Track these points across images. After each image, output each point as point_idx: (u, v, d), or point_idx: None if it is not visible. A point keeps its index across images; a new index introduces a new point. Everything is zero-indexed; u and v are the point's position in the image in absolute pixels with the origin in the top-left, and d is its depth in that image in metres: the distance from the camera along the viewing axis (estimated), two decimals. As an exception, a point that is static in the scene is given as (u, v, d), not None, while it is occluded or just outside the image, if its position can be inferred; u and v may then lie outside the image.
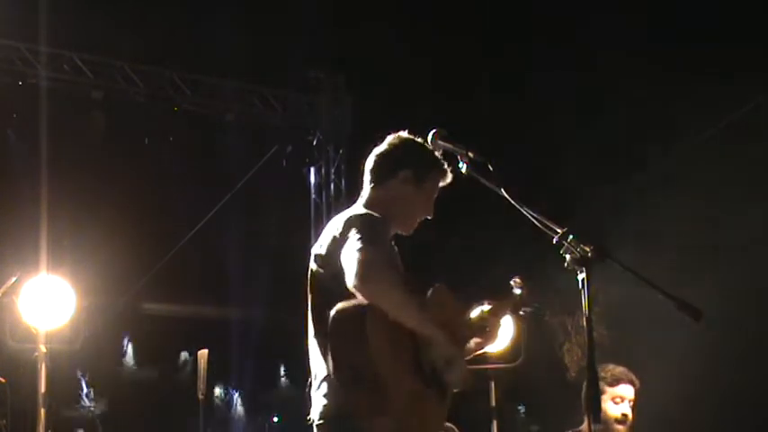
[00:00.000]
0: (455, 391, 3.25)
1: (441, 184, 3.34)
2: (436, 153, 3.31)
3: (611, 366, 5.03)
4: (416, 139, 3.35)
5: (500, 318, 3.42)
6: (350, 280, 2.89)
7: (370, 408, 2.93)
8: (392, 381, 2.93)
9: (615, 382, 4.97)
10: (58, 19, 7.66)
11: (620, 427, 4.95)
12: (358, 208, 3.24)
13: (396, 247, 3.31)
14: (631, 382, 5.00)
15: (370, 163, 3.35)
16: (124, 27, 8.04)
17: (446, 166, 3.31)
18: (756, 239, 7.49)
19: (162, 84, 8.79)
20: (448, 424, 6.82)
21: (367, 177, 3.35)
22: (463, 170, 3.06)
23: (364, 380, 2.89)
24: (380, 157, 3.33)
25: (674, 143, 8.06)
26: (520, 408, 11.23)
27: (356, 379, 2.91)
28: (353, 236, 2.99)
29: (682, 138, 7.99)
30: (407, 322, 2.96)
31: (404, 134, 3.36)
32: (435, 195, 3.35)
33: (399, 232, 3.35)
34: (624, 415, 4.96)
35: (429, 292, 3.15)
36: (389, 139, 3.37)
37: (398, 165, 3.29)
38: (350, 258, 2.93)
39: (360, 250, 2.94)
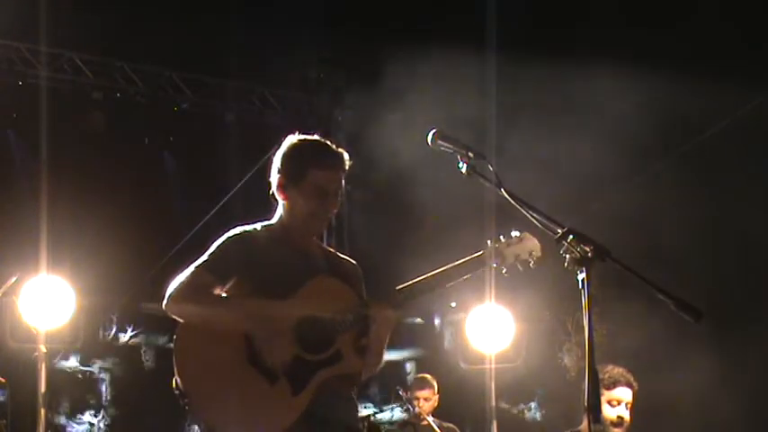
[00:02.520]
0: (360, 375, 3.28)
1: (333, 176, 3.33)
2: (323, 147, 3.37)
3: (609, 368, 5.01)
4: (301, 138, 3.41)
5: (373, 309, 3.29)
6: (164, 300, 3.20)
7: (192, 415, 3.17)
8: (197, 389, 3.10)
9: (612, 384, 4.95)
10: (57, 19, 7.65)
11: (616, 429, 4.95)
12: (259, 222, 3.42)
13: (306, 250, 3.36)
14: (629, 385, 4.98)
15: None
16: (124, 27, 8.03)
17: (333, 158, 3.34)
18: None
19: (162, 84, 8.79)
20: (449, 424, 6.83)
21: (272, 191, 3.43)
22: (463, 170, 3.05)
23: (184, 395, 3.12)
24: (272, 165, 3.41)
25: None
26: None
27: (180, 395, 3.14)
28: (201, 257, 3.27)
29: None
30: (218, 322, 3.17)
31: (290, 137, 3.42)
32: (333, 187, 3.33)
33: (307, 234, 3.40)
34: (620, 417, 4.95)
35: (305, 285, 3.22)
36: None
37: (277, 172, 3.37)
38: (175, 279, 3.23)
39: (184, 275, 3.22)
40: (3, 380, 6.39)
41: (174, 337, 3.19)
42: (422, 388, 6.83)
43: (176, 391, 3.14)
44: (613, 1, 7.34)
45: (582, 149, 7.13)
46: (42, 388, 6.36)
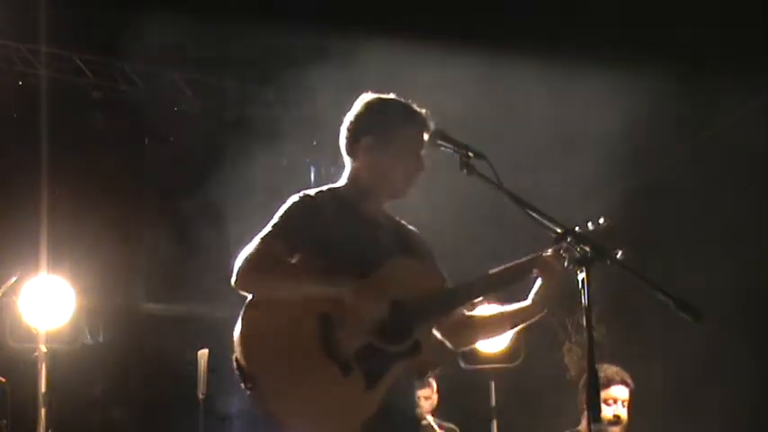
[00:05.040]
0: (435, 368, 3.15)
1: (421, 134, 3.14)
2: (408, 105, 3.18)
3: (604, 366, 5.02)
4: (380, 97, 3.21)
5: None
6: (232, 276, 2.97)
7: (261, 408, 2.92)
8: (265, 374, 2.87)
9: (608, 383, 4.95)
10: (57, 19, 7.66)
11: (614, 428, 4.95)
12: (327, 186, 3.22)
13: (379, 221, 3.20)
14: (624, 383, 4.99)
15: (340, 136, 3.24)
16: (124, 27, 8.03)
17: (420, 116, 3.15)
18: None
19: (162, 84, 8.79)
20: (449, 424, 6.83)
21: (342, 151, 3.25)
22: (463, 170, 3.05)
23: (249, 379, 2.88)
24: (345, 127, 3.22)
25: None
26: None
27: (243, 379, 2.91)
28: (266, 227, 3.03)
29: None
30: (291, 295, 2.92)
31: (366, 96, 3.23)
32: (420, 148, 3.15)
33: (391, 198, 3.23)
34: (617, 416, 4.96)
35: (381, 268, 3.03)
36: (354, 106, 3.24)
37: (360, 132, 3.17)
38: (242, 253, 2.99)
39: (252, 246, 2.98)
40: (3, 380, 6.39)
41: (241, 314, 2.93)
42: (421, 387, 6.82)
43: (237, 373, 2.91)
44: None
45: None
46: (42, 388, 6.36)
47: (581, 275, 2.72)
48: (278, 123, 9.10)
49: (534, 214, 2.84)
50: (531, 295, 3.19)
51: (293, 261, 3.02)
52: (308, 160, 9.64)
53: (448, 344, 3.26)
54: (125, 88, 8.66)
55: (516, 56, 6.90)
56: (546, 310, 3.19)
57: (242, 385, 2.91)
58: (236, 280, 2.97)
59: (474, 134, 3.13)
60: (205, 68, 8.85)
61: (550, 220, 2.83)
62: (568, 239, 2.78)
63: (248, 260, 2.98)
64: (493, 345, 7.22)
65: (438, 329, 3.22)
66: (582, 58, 6.88)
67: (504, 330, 3.37)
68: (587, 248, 2.73)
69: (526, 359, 7.13)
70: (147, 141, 9.04)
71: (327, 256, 3.00)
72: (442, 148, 3.08)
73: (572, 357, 8.95)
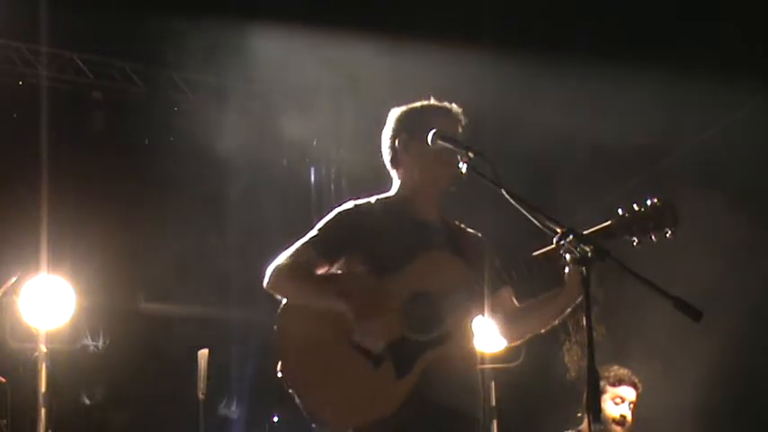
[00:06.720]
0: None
1: (455, 127, 3.22)
2: (435, 102, 3.29)
3: (615, 367, 5.07)
4: (408, 105, 3.34)
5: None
6: (264, 279, 3.12)
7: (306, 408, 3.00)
8: (298, 372, 3.00)
9: (618, 382, 5.00)
10: (57, 19, 7.66)
11: (618, 427, 4.98)
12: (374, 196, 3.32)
13: (419, 223, 3.23)
14: (634, 385, 5.03)
15: (382, 152, 3.35)
16: (124, 27, 8.03)
17: (447, 108, 3.25)
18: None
19: (162, 84, 8.79)
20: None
21: (387, 166, 3.36)
22: (463, 170, 3.05)
23: (287, 381, 3.01)
24: (383, 141, 3.34)
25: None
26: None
27: (284, 381, 3.04)
28: (308, 234, 3.17)
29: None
30: (314, 301, 3.06)
31: (395, 110, 3.35)
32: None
33: (438, 189, 3.27)
34: (623, 416, 4.98)
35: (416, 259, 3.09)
36: (387, 122, 3.36)
37: (395, 137, 3.29)
38: (277, 258, 3.14)
39: (287, 252, 3.13)
40: (3, 380, 6.40)
41: (276, 318, 3.07)
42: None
43: (279, 375, 3.02)
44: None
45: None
46: (42, 388, 6.36)
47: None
48: (277, 123, 9.10)
49: (534, 214, 2.84)
50: (567, 279, 3.15)
51: (334, 266, 3.14)
52: (308, 160, 9.63)
53: (503, 337, 3.41)
54: (125, 88, 8.66)
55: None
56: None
57: (285, 386, 3.03)
58: (267, 282, 3.11)
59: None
60: (205, 68, 8.85)
61: (551, 219, 2.82)
62: (569, 239, 2.77)
63: (279, 265, 3.11)
64: (493, 345, 7.22)
65: (494, 321, 3.33)
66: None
67: (551, 319, 3.31)
68: (587, 248, 2.72)
69: (526, 359, 7.14)
70: (146, 141, 9.04)
71: (367, 256, 3.10)
72: (442, 148, 3.10)
73: (572, 357, 8.95)
